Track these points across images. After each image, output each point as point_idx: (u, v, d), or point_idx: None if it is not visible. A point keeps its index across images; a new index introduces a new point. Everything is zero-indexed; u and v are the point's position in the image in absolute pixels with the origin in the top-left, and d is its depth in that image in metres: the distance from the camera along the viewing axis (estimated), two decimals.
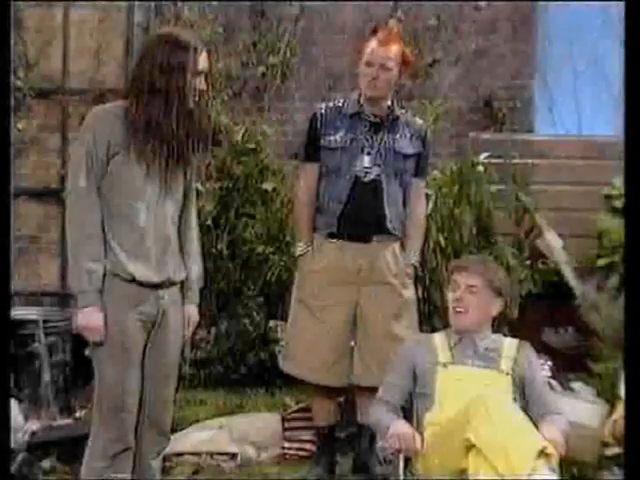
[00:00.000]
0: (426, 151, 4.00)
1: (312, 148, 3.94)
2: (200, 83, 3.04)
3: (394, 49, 3.81)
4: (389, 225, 3.86)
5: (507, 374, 3.12)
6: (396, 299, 3.89)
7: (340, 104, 3.94)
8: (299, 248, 3.97)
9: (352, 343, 3.92)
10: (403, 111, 4.02)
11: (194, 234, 3.23)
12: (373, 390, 3.84)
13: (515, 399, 3.08)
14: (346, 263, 3.85)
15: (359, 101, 3.90)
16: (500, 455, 2.72)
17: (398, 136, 3.89)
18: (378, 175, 3.84)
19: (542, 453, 2.74)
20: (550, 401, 3.18)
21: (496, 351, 3.18)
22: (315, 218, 3.93)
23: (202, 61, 3.04)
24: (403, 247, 3.95)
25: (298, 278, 4.00)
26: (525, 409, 3.05)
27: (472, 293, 3.19)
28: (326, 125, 3.89)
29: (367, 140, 3.86)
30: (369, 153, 3.84)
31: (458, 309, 3.20)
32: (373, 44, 3.81)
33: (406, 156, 3.90)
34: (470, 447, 2.78)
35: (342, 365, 3.89)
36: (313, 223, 3.94)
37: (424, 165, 4.02)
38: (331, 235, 3.88)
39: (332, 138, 3.87)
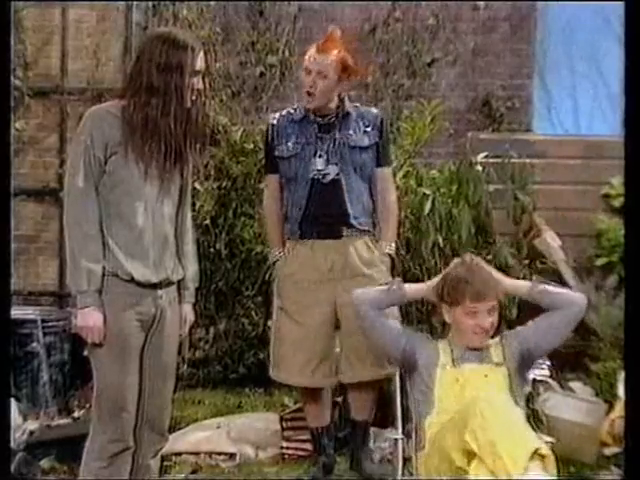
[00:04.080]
0: (384, 139, 3.92)
1: (269, 160, 3.96)
2: (198, 82, 3.05)
3: (332, 55, 3.75)
4: (354, 222, 3.83)
5: (500, 365, 3.16)
6: None
7: (292, 111, 3.93)
8: (273, 256, 3.99)
9: (337, 342, 3.90)
10: (357, 104, 3.97)
11: (189, 233, 3.23)
12: (365, 386, 3.86)
13: (512, 389, 3.12)
14: (318, 262, 3.83)
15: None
16: (493, 457, 2.72)
17: (351, 131, 3.85)
18: (337, 174, 3.81)
19: (536, 454, 2.74)
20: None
21: (487, 347, 3.22)
22: (285, 226, 3.93)
23: (200, 61, 3.04)
24: (377, 239, 3.91)
25: (276, 285, 4.00)
26: (521, 401, 3.12)
27: (491, 315, 3.19)
28: (278, 135, 3.89)
29: (318, 142, 3.83)
30: (320, 155, 3.82)
31: (482, 334, 3.19)
32: (312, 51, 3.78)
33: (362, 148, 3.85)
34: (469, 450, 2.79)
35: (327, 365, 3.87)
36: (282, 231, 3.93)
37: (386, 153, 3.96)
38: (301, 237, 3.86)
39: (284, 147, 3.87)
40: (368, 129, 3.87)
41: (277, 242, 3.96)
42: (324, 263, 3.83)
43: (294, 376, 3.91)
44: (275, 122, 3.92)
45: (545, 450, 2.76)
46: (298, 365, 3.86)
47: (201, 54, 3.05)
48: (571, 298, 3.29)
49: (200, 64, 3.04)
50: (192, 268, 3.22)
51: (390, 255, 3.93)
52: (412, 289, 3.42)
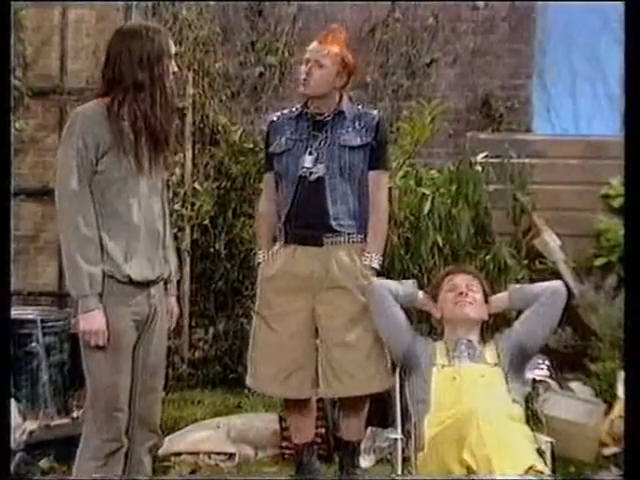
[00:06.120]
0: (379, 141, 3.76)
1: (266, 157, 3.91)
2: (174, 66, 3.08)
3: (332, 48, 3.72)
4: (333, 223, 3.67)
5: (495, 365, 3.22)
6: (351, 304, 3.67)
7: (292, 109, 3.88)
8: (258, 257, 3.87)
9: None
10: (359, 106, 3.91)
11: (168, 226, 3.21)
12: (351, 404, 3.79)
13: (509, 388, 3.16)
14: (298, 268, 3.69)
15: (306, 102, 3.81)
16: (488, 472, 2.72)
17: (344, 130, 3.74)
18: (324, 173, 3.70)
19: (531, 470, 2.73)
20: None
21: (480, 346, 3.30)
22: (276, 226, 3.81)
23: (171, 43, 3.08)
24: (362, 247, 3.74)
25: (257, 289, 3.87)
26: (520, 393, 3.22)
27: (471, 290, 3.37)
28: (274, 131, 3.83)
29: (311, 139, 3.75)
30: (311, 153, 3.72)
31: (462, 301, 3.34)
32: (313, 44, 3.77)
33: (352, 148, 3.71)
34: (468, 466, 2.79)
35: (301, 376, 3.73)
36: (272, 232, 3.82)
37: (380, 156, 3.78)
38: (285, 241, 3.76)
39: (278, 143, 3.79)
40: (362, 130, 3.75)
41: (264, 243, 3.85)
42: (304, 270, 3.69)
43: (267, 385, 3.81)
44: (274, 119, 3.88)
45: (540, 466, 2.77)
46: (271, 374, 3.74)
47: (169, 36, 3.10)
48: (549, 286, 3.40)
49: (172, 47, 3.08)
50: (173, 261, 3.23)
51: (375, 268, 3.73)
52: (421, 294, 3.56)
